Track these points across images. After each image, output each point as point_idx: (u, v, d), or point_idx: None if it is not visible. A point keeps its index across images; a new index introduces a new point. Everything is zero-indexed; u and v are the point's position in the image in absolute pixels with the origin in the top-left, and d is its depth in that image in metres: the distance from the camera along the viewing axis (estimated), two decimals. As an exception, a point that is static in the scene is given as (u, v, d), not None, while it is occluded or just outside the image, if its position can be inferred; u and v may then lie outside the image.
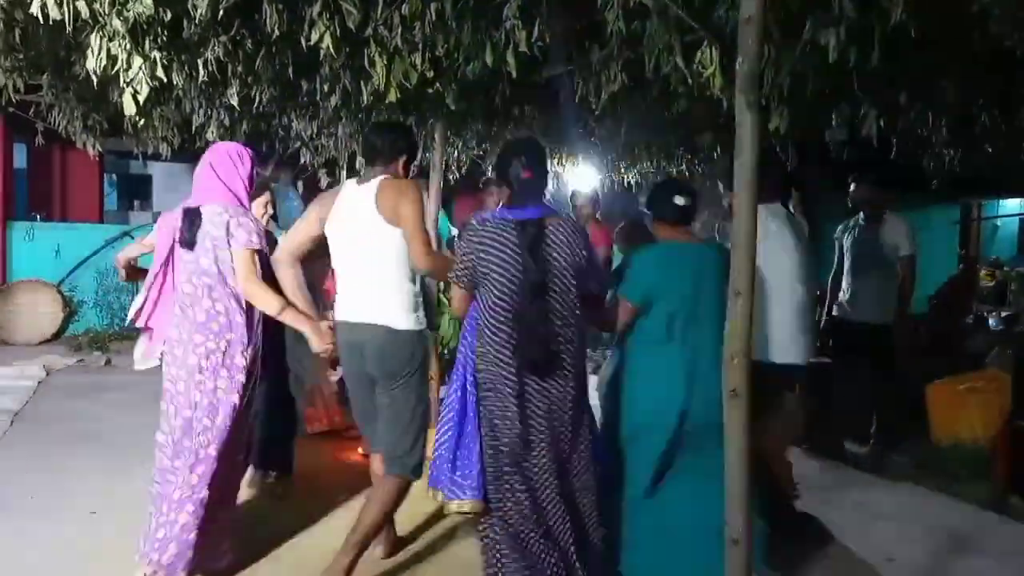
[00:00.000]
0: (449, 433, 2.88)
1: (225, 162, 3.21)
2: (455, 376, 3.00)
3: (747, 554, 2.18)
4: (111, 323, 9.87)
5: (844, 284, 5.17)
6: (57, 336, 9.50)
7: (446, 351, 5.09)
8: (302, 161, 7.43)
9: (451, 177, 8.31)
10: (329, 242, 3.14)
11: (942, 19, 2.98)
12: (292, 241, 3.19)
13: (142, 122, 4.82)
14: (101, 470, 4.44)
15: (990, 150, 5.09)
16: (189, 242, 3.11)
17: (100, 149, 6.22)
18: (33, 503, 3.95)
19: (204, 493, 3.01)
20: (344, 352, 3.14)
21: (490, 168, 8.42)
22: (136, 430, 5.26)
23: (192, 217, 3.14)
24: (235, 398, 3.10)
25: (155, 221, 12.60)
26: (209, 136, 5.39)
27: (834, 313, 5.27)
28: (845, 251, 5.19)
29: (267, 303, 3.08)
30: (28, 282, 9.53)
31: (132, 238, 10.34)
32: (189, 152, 6.92)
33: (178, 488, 3.02)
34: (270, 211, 4.26)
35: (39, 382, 7.00)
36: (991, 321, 5.90)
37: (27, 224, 10.17)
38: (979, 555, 3.61)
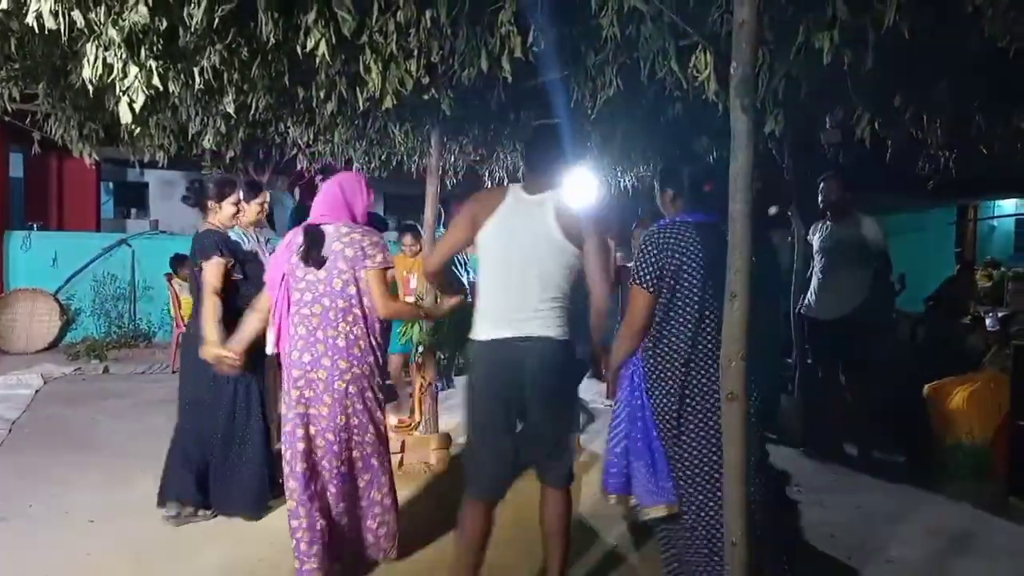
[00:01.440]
0: (624, 442, 2.86)
1: (352, 184, 3.28)
2: (624, 382, 2.94)
3: (747, 555, 2.18)
4: (108, 331, 9.86)
5: (812, 283, 5.24)
6: (54, 344, 9.49)
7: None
8: (298, 167, 7.44)
9: (448, 182, 8.32)
10: (485, 247, 2.91)
11: (936, 21, 2.99)
12: (448, 248, 3.03)
13: (138, 130, 4.81)
14: (99, 478, 4.43)
15: (985, 151, 5.10)
16: (319, 260, 3.08)
17: (96, 157, 6.21)
18: (31, 511, 3.94)
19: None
20: (493, 371, 2.83)
21: (487, 174, 8.45)
22: (133, 438, 5.27)
23: (315, 235, 3.10)
24: (380, 414, 3.20)
25: (152, 228, 12.54)
26: (205, 144, 5.40)
27: (802, 312, 5.35)
28: (815, 251, 5.27)
29: (411, 312, 3.39)
30: (25, 291, 9.52)
31: (129, 246, 10.34)
32: (186, 160, 6.94)
33: (376, 490, 3.21)
34: (266, 210, 4.28)
35: (37, 390, 6.99)
36: (988, 321, 5.90)
37: (24, 233, 10.17)
38: (978, 556, 3.61)
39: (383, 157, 7.68)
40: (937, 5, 2.88)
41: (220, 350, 3.51)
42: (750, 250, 2.14)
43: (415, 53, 3.38)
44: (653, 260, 2.81)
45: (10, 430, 5.57)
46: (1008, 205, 11.55)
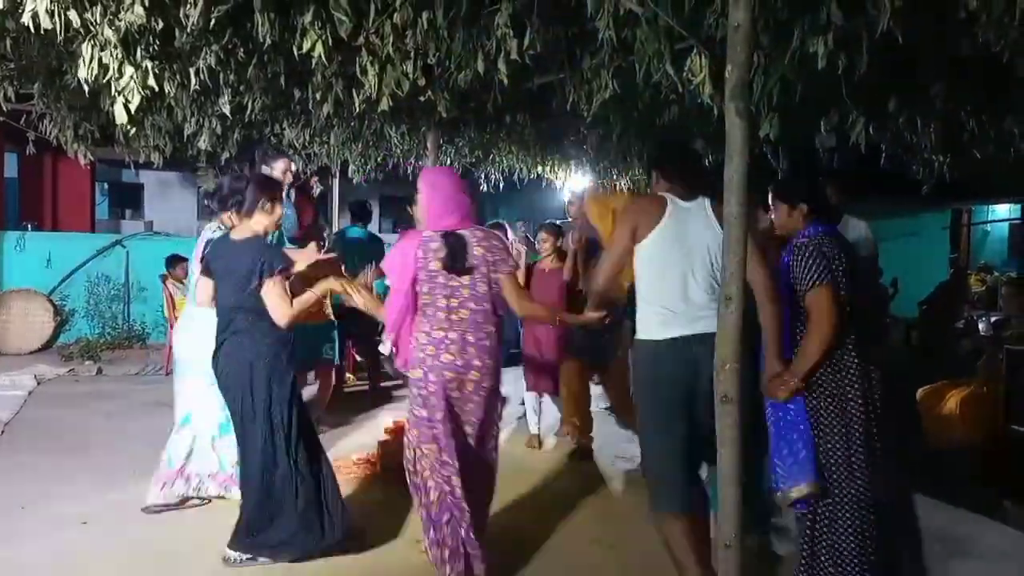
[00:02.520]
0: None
1: (465, 185, 3.33)
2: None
3: (739, 557, 2.19)
4: (102, 332, 9.82)
5: None
6: (48, 345, 9.46)
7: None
8: (294, 168, 7.43)
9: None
10: (654, 253, 2.94)
11: (929, 26, 3.01)
12: (616, 262, 3.04)
13: (133, 131, 4.82)
14: (92, 480, 4.42)
15: (979, 156, 5.13)
16: (466, 268, 3.09)
17: (91, 158, 6.21)
18: (24, 512, 3.92)
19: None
20: (676, 371, 2.86)
21: (483, 176, 8.46)
22: (127, 439, 5.25)
23: (458, 243, 3.10)
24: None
25: (147, 229, 12.49)
26: (201, 145, 5.40)
27: None
28: None
29: (545, 313, 3.43)
30: (19, 291, 9.49)
31: (123, 246, 10.32)
32: (181, 161, 6.94)
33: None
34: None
35: (30, 392, 6.96)
36: (982, 326, 5.93)
37: (18, 233, 10.14)
38: (973, 560, 3.62)
39: (379, 159, 7.70)
40: (931, 11, 2.90)
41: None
42: (745, 254, 2.15)
43: (412, 55, 3.39)
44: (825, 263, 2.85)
45: (3, 431, 5.54)
46: (1002, 210, 11.61)
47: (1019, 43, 3.01)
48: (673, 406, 2.84)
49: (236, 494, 3.63)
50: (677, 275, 2.91)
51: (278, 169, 4.79)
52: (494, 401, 3.24)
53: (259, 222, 3.40)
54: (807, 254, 2.87)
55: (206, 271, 3.58)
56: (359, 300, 3.33)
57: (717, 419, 2.23)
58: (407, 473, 3.20)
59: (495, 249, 3.15)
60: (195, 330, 3.93)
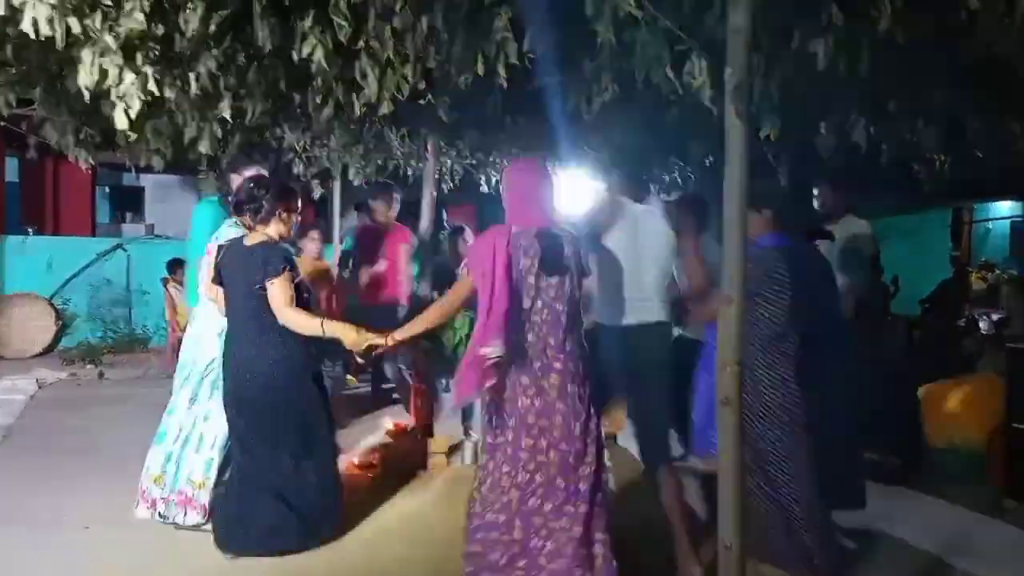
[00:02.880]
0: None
1: (552, 179, 3.14)
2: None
3: (740, 558, 2.19)
4: (104, 336, 9.84)
5: None
6: (50, 349, 9.47)
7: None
8: (295, 172, 7.44)
9: (445, 187, 8.33)
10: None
11: (930, 27, 3.01)
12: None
13: (134, 136, 4.82)
14: (94, 485, 4.42)
15: (980, 155, 5.13)
16: (562, 268, 2.90)
17: (92, 162, 6.21)
18: (26, 517, 3.93)
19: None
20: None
21: (483, 179, 8.46)
22: (129, 444, 5.22)
23: (555, 243, 2.90)
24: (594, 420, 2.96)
25: (148, 233, 12.48)
26: (202, 149, 5.39)
27: None
28: None
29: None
30: (20, 296, 9.51)
31: (125, 250, 10.33)
32: (182, 164, 6.94)
33: (575, 524, 2.81)
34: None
35: (32, 396, 6.97)
36: (983, 324, 5.93)
37: (19, 238, 10.16)
38: (974, 558, 3.61)
39: (380, 162, 7.70)
40: (932, 12, 2.90)
41: (369, 335, 3.29)
42: (745, 257, 2.15)
43: (411, 59, 3.40)
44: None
45: (5, 436, 5.55)
46: (1003, 208, 11.58)
47: (1019, 43, 3.02)
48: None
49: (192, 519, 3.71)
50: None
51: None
52: (586, 411, 2.90)
53: (274, 229, 3.48)
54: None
55: (217, 280, 3.54)
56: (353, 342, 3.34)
57: (717, 421, 2.23)
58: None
59: (580, 249, 2.99)
60: (192, 331, 3.97)
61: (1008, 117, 4.25)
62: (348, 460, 4.83)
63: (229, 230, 3.80)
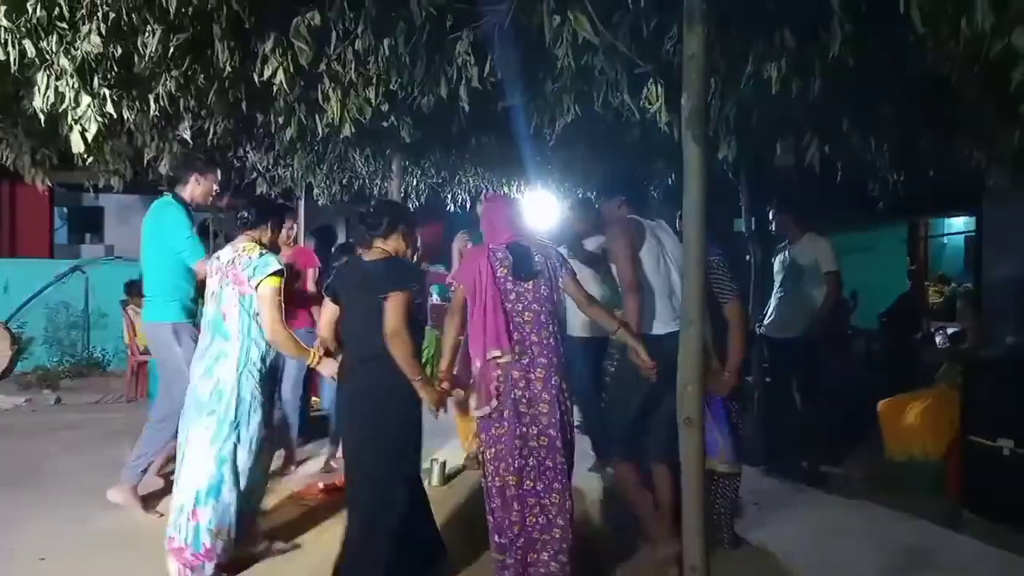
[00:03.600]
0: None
1: (518, 207, 3.74)
2: None
3: (706, 580, 2.20)
4: (61, 360, 9.60)
5: (771, 303, 5.37)
6: (5, 375, 9.22)
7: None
8: (258, 191, 7.38)
9: (411, 205, 8.32)
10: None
11: (879, 50, 3.10)
12: None
13: (91, 158, 4.75)
14: (51, 514, 4.30)
15: (932, 172, 5.27)
16: (532, 274, 3.34)
17: (49, 183, 6.12)
18: (-21, 551, 3.81)
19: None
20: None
21: (449, 197, 8.48)
22: (87, 471, 5.13)
23: (523, 252, 3.37)
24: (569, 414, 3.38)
25: (108, 254, 12.25)
26: (162, 169, 5.34)
27: (761, 332, 5.47)
28: (775, 272, 5.40)
29: (604, 316, 3.43)
30: (-25, 320, 9.26)
31: (83, 272, 10.12)
32: (142, 185, 6.85)
33: (562, 498, 3.24)
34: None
35: (-14, 423, 6.78)
36: (938, 338, 6.07)
37: (-26, 260, 9.91)
38: (934, 570, 3.68)
39: (344, 181, 7.68)
40: (880, 35, 2.98)
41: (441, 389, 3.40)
42: (703, 277, 2.18)
43: (374, 81, 3.40)
44: None
45: (-43, 465, 5.38)
46: (958, 223, 11.88)
47: (964, 66, 3.11)
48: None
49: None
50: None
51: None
52: (563, 401, 3.31)
53: (392, 246, 3.39)
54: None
55: (334, 298, 3.39)
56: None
57: (680, 442, 2.25)
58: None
59: (552, 256, 3.44)
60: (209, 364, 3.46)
61: (958, 135, 4.38)
62: (313, 483, 4.78)
63: (227, 249, 3.54)
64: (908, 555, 3.83)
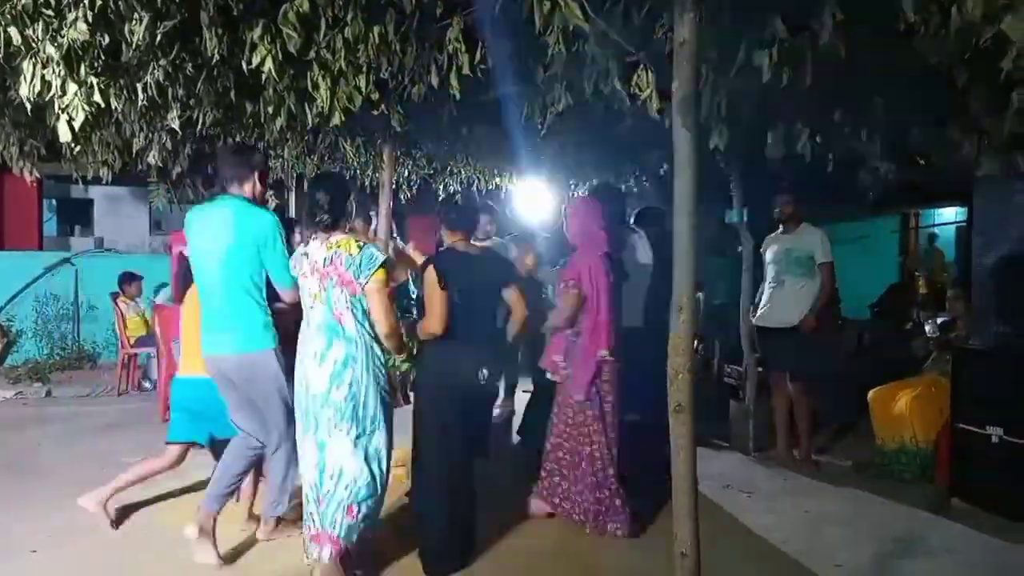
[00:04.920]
0: None
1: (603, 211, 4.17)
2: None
3: (695, 565, 2.21)
4: (51, 353, 9.56)
5: (764, 293, 5.38)
6: (-5, 368, 9.18)
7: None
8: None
9: (402, 196, 8.29)
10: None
11: (870, 39, 3.09)
12: None
13: (79, 147, 4.71)
14: (42, 506, 4.29)
15: (923, 162, 5.27)
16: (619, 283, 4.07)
17: (38, 174, 6.06)
18: (-31, 543, 3.80)
19: None
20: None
21: (441, 187, 8.45)
22: (78, 463, 5.12)
23: (615, 265, 4.08)
24: None
25: (97, 246, 12.19)
26: (151, 160, 5.30)
27: (753, 320, 5.48)
28: (767, 262, 5.40)
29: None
30: (-37, 312, 9.20)
31: (72, 264, 10.07)
32: (131, 176, 6.80)
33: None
34: None
35: (-25, 416, 6.74)
36: (928, 328, 6.09)
37: (-38, 253, 9.84)
38: (924, 557, 3.71)
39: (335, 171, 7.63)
40: (871, 25, 2.98)
41: None
42: (693, 265, 2.18)
43: (364, 69, 3.38)
44: None
45: (-54, 458, 5.36)
46: (948, 214, 11.92)
47: (955, 55, 3.12)
48: None
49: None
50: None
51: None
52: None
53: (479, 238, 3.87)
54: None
55: (444, 285, 3.38)
56: None
57: (671, 428, 2.25)
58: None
59: None
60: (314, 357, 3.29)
61: (949, 124, 4.38)
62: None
63: (317, 246, 3.28)
64: (898, 542, 3.86)
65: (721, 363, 6.82)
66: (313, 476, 3.22)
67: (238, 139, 5.83)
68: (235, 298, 3.36)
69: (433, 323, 3.38)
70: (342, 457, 3.19)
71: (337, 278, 3.16)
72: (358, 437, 3.20)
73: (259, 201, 3.57)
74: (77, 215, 19.45)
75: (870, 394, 5.27)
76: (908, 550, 3.78)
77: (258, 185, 3.52)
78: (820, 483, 4.84)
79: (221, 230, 3.34)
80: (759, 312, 5.42)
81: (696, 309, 2.30)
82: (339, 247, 3.17)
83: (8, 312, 9.63)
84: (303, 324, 3.30)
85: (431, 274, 3.38)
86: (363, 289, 3.17)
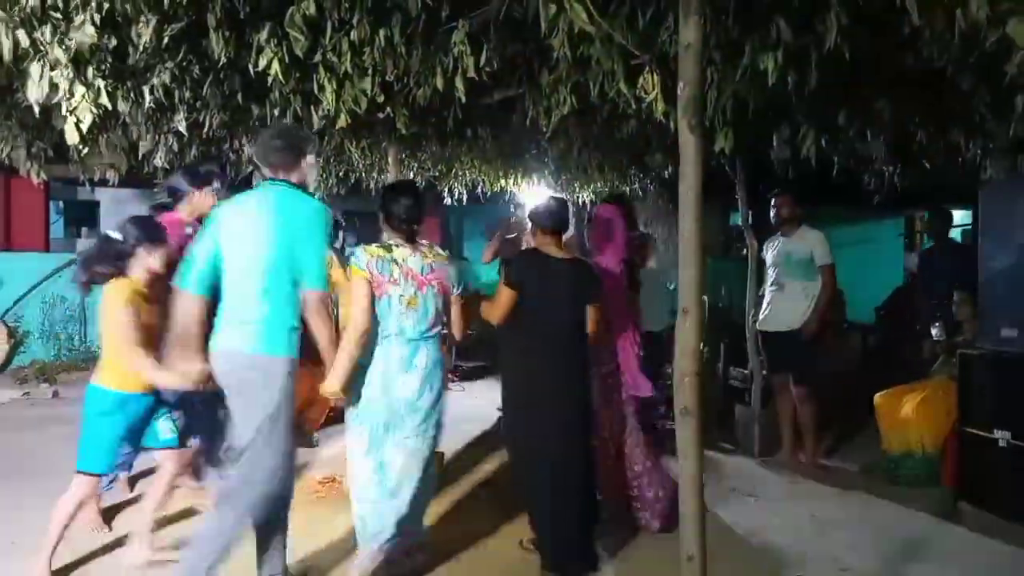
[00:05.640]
0: None
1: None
2: None
3: (702, 569, 2.20)
4: (58, 354, 9.59)
5: (765, 296, 5.36)
6: (2, 369, 9.20)
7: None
8: (254, 185, 7.34)
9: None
10: None
11: (875, 42, 3.09)
12: None
13: (87, 149, 4.73)
14: (48, 507, 4.28)
15: (928, 165, 5.27)
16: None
17: (45, 177, 6.08)
18: (-25, 544, 3.81)
19: None
20: None
21: (446, 190, 8.46)
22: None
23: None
24: None
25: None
26: (157, 162, 5.32)
27: (756, 325, 5.47)
28: (768, 265, 5.39)
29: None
30: (-30, 314, 9.24)
31: (79, 266, 10.09)
32: (137, 178, 6.82)
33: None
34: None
35: (-17, 416, 6.77)
36: (934, 331, 6.06)
37: (-31, 254, 9.88)
38: (930, 561, 3.70)
39: (340, 174, 7.65)
40: (876, 28, 2.98)
41: None
42: (699, 267, 2.18)
43: (369, 72, 3.39)
44: None
45: (-47, 458, 5.38)
46: (955, 216, 11.89)
47: (960, 58, 3.11)
48: None
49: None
50: None
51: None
52: None
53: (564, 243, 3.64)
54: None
55: (515, 288, 3.44)
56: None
57: (677, 430, 2.25)
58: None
59: None
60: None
61: (953, 127, 4.38)
62: (311, 476, 4.78)
63: (408, 251, 3.25)
64: (905, 546, 3.84)
65: (726, 366, 6.82)
66: (394, 481, 3.20)
67: (243, 142, 5.85)
68: (269, 289, 2.91)
69: (490, 311, 3.56)
70: (425, 458, 3.27)
71: (438, 286, 3.27)
72: (434, 438, 3.31)
73: (306, 189, 3.22)
74: (84, 217, 19.49)
75: (876, 398, 5.25)
76: (915, 554, 3.76)
77: (310, 172, 3.20)
78: (826, 487, 4.83)
79: (273, 216, 2.95)
80: (760, 316, 5.41)
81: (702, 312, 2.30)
82: (436, 256, 3.31)
83: (15, 313, 9.66)
84: (376, 330, 3.17)
85: (504, 267, 3.68)
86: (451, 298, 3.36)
